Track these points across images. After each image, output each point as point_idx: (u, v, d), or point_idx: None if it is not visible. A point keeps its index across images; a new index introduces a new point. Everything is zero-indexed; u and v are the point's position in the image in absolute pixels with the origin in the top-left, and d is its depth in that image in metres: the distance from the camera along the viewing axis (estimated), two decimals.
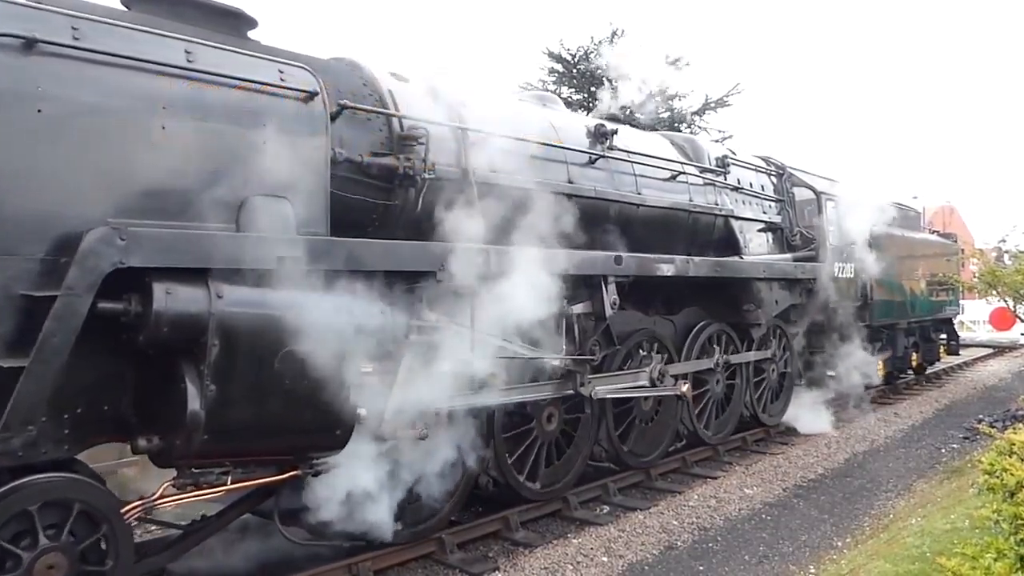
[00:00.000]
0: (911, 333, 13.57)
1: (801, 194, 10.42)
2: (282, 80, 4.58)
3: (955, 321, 17.08)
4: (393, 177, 5.15)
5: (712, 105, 19.78)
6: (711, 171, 8.59)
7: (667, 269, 7.04)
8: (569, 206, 6.28)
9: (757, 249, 9.23)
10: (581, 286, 6.33)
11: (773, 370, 9.67)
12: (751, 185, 9.42)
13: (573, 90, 18.97)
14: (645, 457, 7.61)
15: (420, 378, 4.91)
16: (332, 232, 4.66)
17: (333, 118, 4.94)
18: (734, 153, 9.60)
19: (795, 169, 10.43)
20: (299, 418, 4.30)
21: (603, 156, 6.98)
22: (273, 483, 4.46)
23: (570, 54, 18.90)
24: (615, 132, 7.16)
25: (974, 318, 28.17)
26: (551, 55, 19.33)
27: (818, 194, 10.28)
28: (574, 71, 18.76)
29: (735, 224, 8.74)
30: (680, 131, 15.79)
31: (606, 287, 6.43)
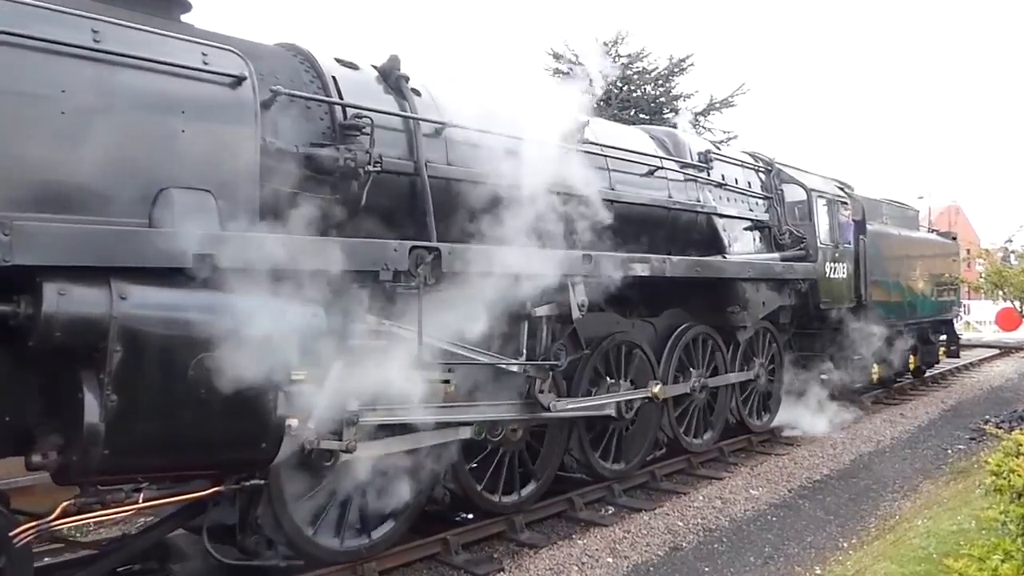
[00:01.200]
0: (909, 335, 13.13)
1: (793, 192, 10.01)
2: (205, 64, 4.23)
3: (957, 322, 16.66)
4: (333, 170, 4.78)
5: (717, 105, 19.52)
6: (693, 166, 8.20)
7: (641, 269, 6.65)
8: (535, 202, 5.91)
9: (743, 248, 8.82)
10: (546, 287, 5.94)
11: (760, 375, 9.26)
12: (736, 181, 9.01)
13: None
14: (621, 467, 7.20)
15: (357, 387, 4.55)
16: (264, 228, 4.31)
17: (267, 105, 4.61)
18: (719, 148, 9.22)
19: (784, 165, 10.02)
20: (218, 431, 3.95)
21: (574, 150, 6.58)
22: (191, 501, 4.11)
23: (574, 55, 18.61)
24: (586, 124, 6.78)
25: (980, 318, 27.80)
26: (555, 56, 19.02)
27: (809, 191, 9.86)
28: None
29: (719, 222, 8.34)
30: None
31: (573, 288, 6.06)
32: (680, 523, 6.32)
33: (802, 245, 9.54)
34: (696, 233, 8.11)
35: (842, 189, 11.16)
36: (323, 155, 4.73)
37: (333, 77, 5.12)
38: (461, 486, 5.74)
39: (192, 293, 3.86)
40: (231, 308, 3.92)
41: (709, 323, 8.34)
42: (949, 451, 9.22)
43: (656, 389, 6.72)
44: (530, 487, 6.19)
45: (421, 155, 5.32)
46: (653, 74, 19.65)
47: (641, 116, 18.47)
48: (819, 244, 9.73)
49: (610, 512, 6.66)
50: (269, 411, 4.07)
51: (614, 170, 7.03)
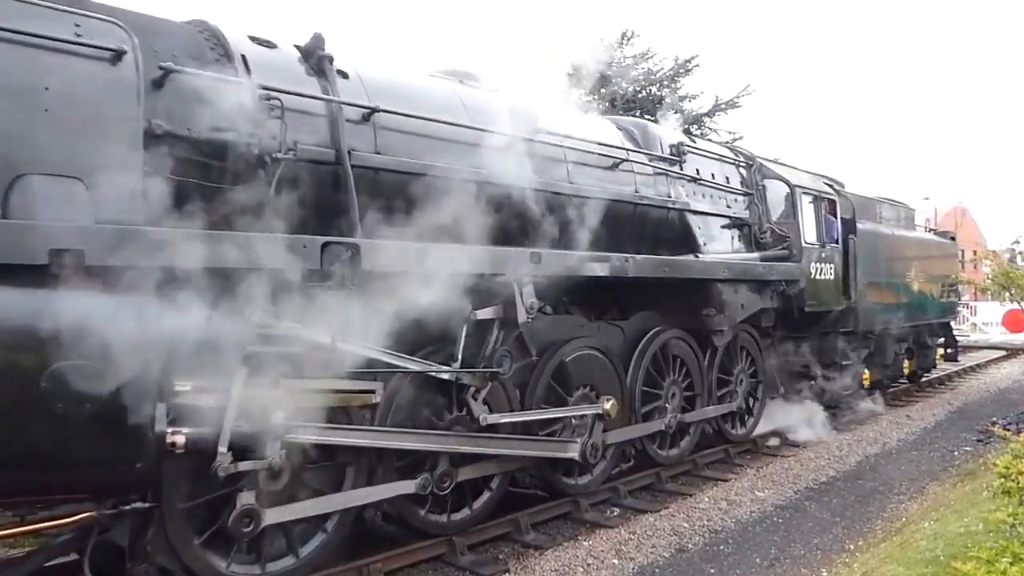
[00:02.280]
0: (903, 339, 12.56)
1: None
2: (77, 36, 3.76)
3: (963, 324, 16.10)
4: (234, 157, 4.30)
5: (722, 106, 19.04)
6: (663, 160, 7.69)
7: (599, 269, 6.13)
8: (478, 195, 5.43)
9: (720, 247, 8.29)
10: (490, 287, 5.44)
11: (741, 381, 8.72)
12: (713, 176, 8.49)
13: (582, 91, 18.16)
14: (581, 481, 6.67)
15: (262, 399, 4.07)
16: (155, 220, 3.84)
17: (158, 84, 4.14)
18: (693, 140, 8.69)
19: (767, 160, 9.48)
20: (80, 450, 3.47)
21: (526, 139, 6.08)
22: (50, 528, 3.63)
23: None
24: (541, 112, 6.27)
25: (987, 320, 27.32)
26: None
27: (792, 187, 9.32)
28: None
29: (692, 219, 7.82)
30: (690, 132, 14.99)
31: (520, 289, 5.55)
32: (686, 524, 6.26)
33: (785, 244, 9.01)
34: (667, 231, 7.60)
35: (831, 186, 10.61)
36: (222, 140, 4.25)
37: (243, 55, 4.65)
38: (396, 507, 5.22)
39: (49, 294, 3.38)
40: (95, 311, 3.44)
41: (684, 327, 7.81)
42: (956, 453, 9.03)
43: (608, 406, 6.17)
44: (464, 512, 5.64)
45: (344, 142, 4.84)
46: (658, 75, 19.18)
47: (646, 117, 17.98)
48: (804, 243, 9.19)
49: (615, 513, 6.59)
50: (144, 427, 3.60)
51: (572, 162, 6.53)
